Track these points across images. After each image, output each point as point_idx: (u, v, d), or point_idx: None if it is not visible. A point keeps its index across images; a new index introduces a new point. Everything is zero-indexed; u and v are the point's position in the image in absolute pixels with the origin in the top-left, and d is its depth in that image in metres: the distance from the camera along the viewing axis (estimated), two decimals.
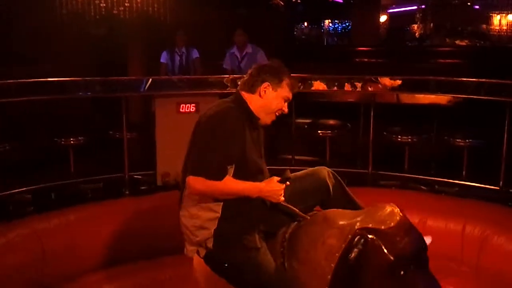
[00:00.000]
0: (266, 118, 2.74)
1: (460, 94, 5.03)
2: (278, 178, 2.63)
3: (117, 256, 3.92)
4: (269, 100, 2.71)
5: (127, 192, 4.68)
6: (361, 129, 5.37)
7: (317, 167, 2.85)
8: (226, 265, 2.60)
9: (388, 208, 2.48)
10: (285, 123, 5.45)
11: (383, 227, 2.39)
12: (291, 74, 2.77)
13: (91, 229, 3.95)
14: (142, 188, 4.79)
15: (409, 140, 5.12)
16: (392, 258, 2.34)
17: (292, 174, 2.73)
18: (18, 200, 4.37)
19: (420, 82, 5.09)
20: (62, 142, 4.96)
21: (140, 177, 4.93)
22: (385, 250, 2.34)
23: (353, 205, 2.79)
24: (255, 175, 2.68)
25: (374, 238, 2.36)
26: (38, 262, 3.63)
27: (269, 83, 2.70)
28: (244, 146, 2.61)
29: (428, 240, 2.56)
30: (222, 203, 2.59)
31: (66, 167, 4.97)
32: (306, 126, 5.70)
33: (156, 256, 3.98)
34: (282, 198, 2.64)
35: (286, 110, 2.76)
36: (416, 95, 5.38)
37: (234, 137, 2.57)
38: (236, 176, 2.58)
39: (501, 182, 4.55)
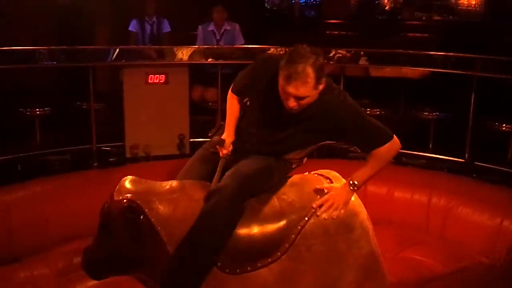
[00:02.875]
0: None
1: (427, 67, 5.08)
2: (230, 141, 2.69)
3: (85, 228, 3.89)
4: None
5: (95, 164, 4.62)
6: None
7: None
8: None
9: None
10: None
11: None
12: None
13: (59, 201, 3.91)
14: (111, 160, 4.74)
15: (377, 113, 5.16)
16: None
17: None
18: None
19: (388, 55, 5.13)
20: (28, 113, 4.86)
21: (108, 148, 4.88)
22: None
23: None
24: (249, 127, 2.70)
25: None
26: (5, 235, 3.59)
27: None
28: (256, 95, 2.66)
29: None
30: None
31: (32, 139, 4.88)
32: None
33: None
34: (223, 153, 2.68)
35: (290, 105, 2.42)
36: (384, 69, 5.41)
37: (250, 72, 2.72)
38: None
39: (466, 155, 4.64)
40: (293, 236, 2.48)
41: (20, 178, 4.16)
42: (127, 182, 2.54)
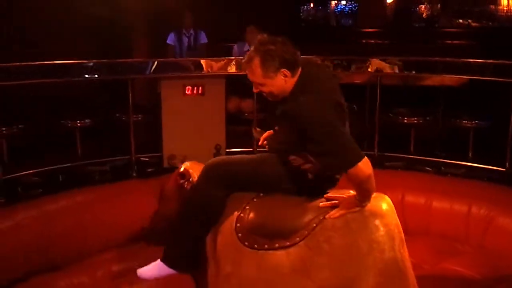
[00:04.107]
0: None
1: (465, 75, 5.00)
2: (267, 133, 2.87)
3: (124, 237, 3.96)
4: None
5: (134, 174, 4.71)
6: (367, 110, 5.36)
7: None
8: None
9: None
10: None
11: None
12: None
13: (98, 210, 3.98)
14: (149, 170, 4.83)
15: (415, 121, 5.11)
16: None
17: None
18: (26, 182, 4.41)
19: (426, 63, 5.07)
20: (69, 125, 4.98)
21: (147, 159, 4.97)
22: None
23: None
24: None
25: None
26: (45, 244, 3.67)
27: None
28: None
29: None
30: None
31: (73, 150, 4.99)
32: None
33: None
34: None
35: (254, 90, 2.67)
36: (422, 76, 5.36)
37: None
38: None
39: (507, 164, 4.54)
40: (314, 224, 2.54)
41: (61, 188, 4.26)
42: (190, 161, 2.98)
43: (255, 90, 2.64)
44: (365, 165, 2.42)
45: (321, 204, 2.59)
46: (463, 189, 4.26)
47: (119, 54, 5.69)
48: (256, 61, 2.56)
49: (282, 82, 2.57)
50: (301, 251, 2.53)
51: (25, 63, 4.35)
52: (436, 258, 3.76)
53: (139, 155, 4.87)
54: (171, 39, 6.59)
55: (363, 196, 2.52)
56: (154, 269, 2.83)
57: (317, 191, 2.68)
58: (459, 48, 8.22)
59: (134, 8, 6.48)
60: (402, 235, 2.57)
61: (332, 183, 2.74)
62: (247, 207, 2.66)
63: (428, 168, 4.83)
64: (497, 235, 3.84)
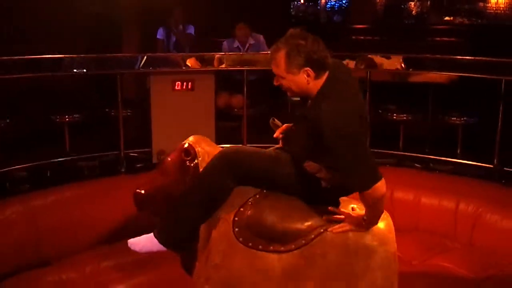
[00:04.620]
0: None
1: (454, 72, 5.03)
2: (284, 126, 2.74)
3: (113, 233, 3.95)
4: None
5: (123, 170, 4.69)
6: None
7: None
8: None
9: None
10: (282, 101, 5.48)
11: None
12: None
13: (87, 206, 3.97)
14: (138, 165, 4.81)
15: (404, 118, 5.13)
16: None
17: None
18: (14, 177, 4.38)
19: (415, 60, 5.09)
20: (58, 120, 4.95)
21: (136, 154, 4.95)
22: None
23: None
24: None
25: None
26: (34, 239, 3.65)
27: None
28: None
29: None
30: None
31: (61, 145, 4.97)
32: None
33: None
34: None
35: (275, 82, 2.54)
36: (411, 73, 5.38)
37: None
38: None
39: (495, 160, 4.57)
40: (312, 236, 2.49)
41: (50, 183, 4.24)
42: (195, 136, 2.79)
43: (275, 83, 2.52)
44: (381, 187, 2.32)
45: (324, 217, 2.52)
46: (452, 185, 4.29)
47: (108, 48, 5.64)
48: (282, 53, 2.43)
49: (304, 81, 2.43)
50: (294, 259, 2.49)
51: (13, 57, 4.32)
52: (425, 254, 3.79)
53: (128, 151, 4.85)
54: (160, 34, 6.56)
55: (372, 217, 2.44)
56: (146, 242, 2.68)
57: (328, 200, 2.58)
58: (449, 45, 8.25)
59: (124, 3, 6.44)
60: (397, 265, 2.54)
61: (346, 192, 2.63)
62: (250, 202, 2.58)
63: (417, 165, 4.86)
64: (485, 232, 3.88)
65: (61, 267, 3.55)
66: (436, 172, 4.71)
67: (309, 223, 2.51)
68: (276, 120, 2.77)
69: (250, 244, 2.53)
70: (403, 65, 5.00)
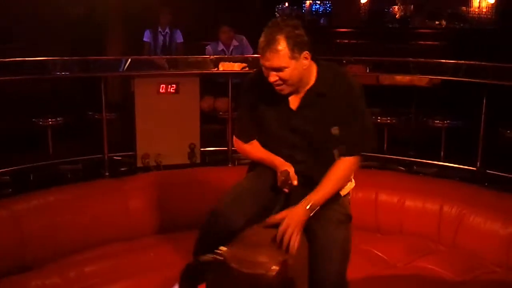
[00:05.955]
0: None
1: (438, 75, 5.07)
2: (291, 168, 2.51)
3: (96, 237, 3.91)
4: None
5: (106, 174, 4.65)
6: None
7: None
8: None
9: None
10: None
11: None
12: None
13: (71, 210, 3.92)
14: (122, 169, 4.78)
15: (388, 121, 5.16)
16: None
17: None
18: None
19: (399, 63, 5.12)
20: (40, 123, 4.90)
21: (120, 158, 4.91)
22: None
23: None
24: (278, 148, 2.57)
25: None
26: (17, 244, 3.60)
27: None
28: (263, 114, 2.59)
29: None
30: None
31: (44, 148, 4.92)
32: None
33: (135, 238, 3.98)
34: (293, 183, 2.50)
35: (271, 80, 2.41)
36: (395, 77, 5.41)
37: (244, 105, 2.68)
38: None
39: (478, 163, 4.61)
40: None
41: (32, 187, 4.20)
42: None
43: (271, 80, 2.40)
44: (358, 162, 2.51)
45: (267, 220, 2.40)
46: (436, 188, 4.31)
47: (92, 51, 5.60)
48: (283, 41, 2.34)
49: (304, 66, 2.42)
50: None
51: None
52: (409, 257, 3.80)
53: (112, 154, 4.81)
54: (147, 37, 6.55)
55: (327, 193, 2.41)
56: None
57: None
58: (432, 48, 8.32)
59: (109, 5, 6.40)
60: None
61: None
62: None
63: (401, 168, 4.89)
64: (469, 234, 3.90)
65: (44, 272, 3.50)
66: (420, 175, 4.74)
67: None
68: (283, 170, 2.52)
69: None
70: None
